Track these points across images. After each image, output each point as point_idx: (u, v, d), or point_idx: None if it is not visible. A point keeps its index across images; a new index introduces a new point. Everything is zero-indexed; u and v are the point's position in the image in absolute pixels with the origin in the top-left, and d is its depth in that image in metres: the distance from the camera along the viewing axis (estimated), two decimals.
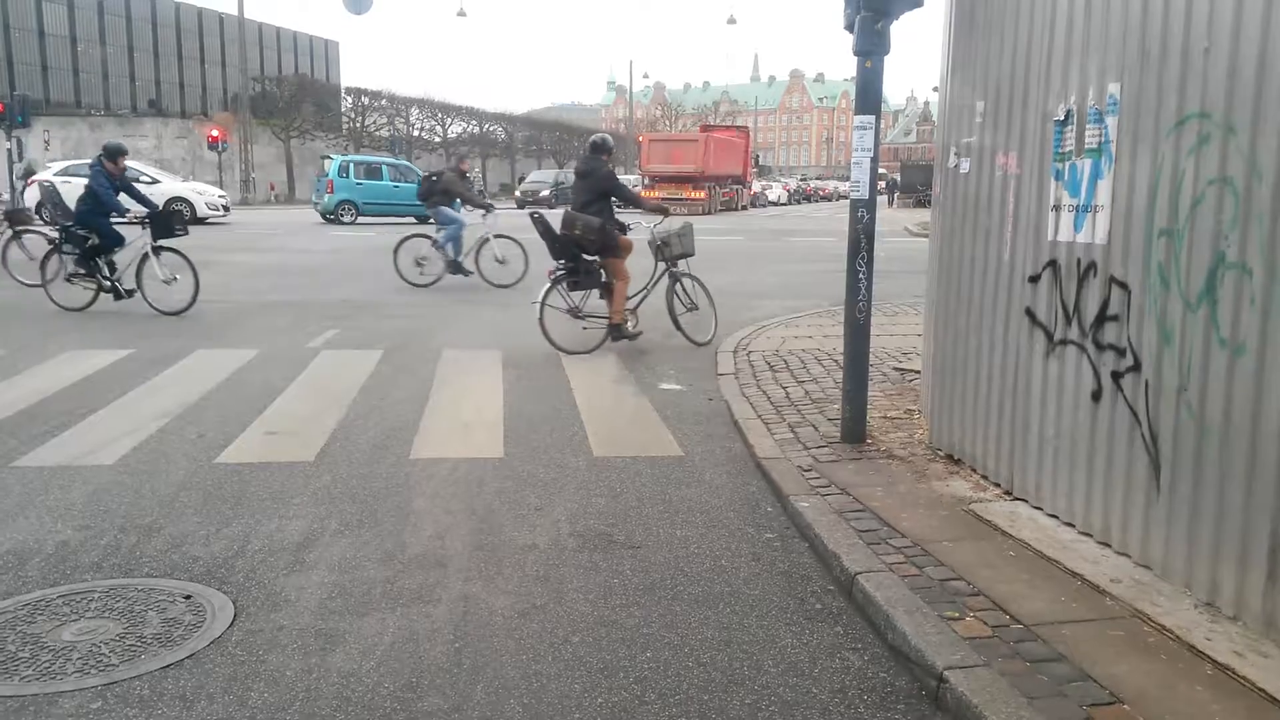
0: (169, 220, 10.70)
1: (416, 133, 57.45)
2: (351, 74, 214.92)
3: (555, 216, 8.73)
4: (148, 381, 7.29)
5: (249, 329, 9.65)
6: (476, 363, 8.16)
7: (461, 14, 49.44)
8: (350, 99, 54.26)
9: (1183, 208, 3.49)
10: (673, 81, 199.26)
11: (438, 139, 59.18)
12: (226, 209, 27.80)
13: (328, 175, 28.54)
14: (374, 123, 53.71)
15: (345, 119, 53.25)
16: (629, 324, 8.86)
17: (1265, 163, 3.11)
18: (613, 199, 8.82)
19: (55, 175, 26.17)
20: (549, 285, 8.51)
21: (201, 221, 26.12)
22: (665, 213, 9.28)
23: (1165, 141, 3.58)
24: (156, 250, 10.56)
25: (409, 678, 3.15)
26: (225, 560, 4.07)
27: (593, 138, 9.29)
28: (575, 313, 8.67)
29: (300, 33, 78.73)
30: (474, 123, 62.87)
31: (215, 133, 40.10)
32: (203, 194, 27.40)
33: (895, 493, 4.74)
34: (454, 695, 3.05)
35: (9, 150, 31.26)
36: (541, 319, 8.38)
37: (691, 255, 9.13)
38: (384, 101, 54.84)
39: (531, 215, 8.77)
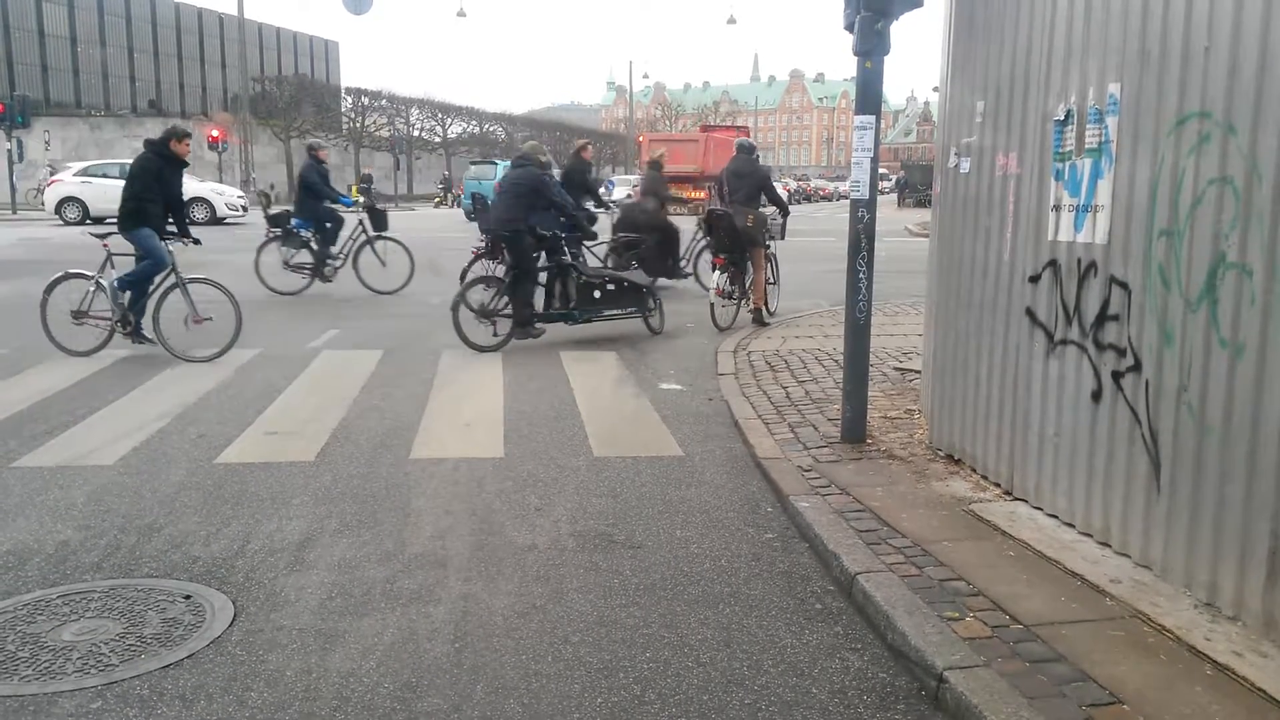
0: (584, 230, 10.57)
1: (416, 133, 57.38)
2: (351, 74, 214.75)
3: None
4: (148, 381, 7.29)
5: (250, 329, 9.60)
6: (477, 363, 8.16)
7: (461, 14, 49.27)
8: (350, 99, 54.15)
9: (1183, 207, 3.49)
10: (673, 81, 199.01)
11: (438, 139, 59.14)
12: (245, 209, 27.86)
13: (493, 179, 28.35)
14: (374, 123, 53.66)
15: (345, 119, 53.18)
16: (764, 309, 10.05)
17: (1265, 162, 3.11)
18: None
19: (74, 176, 26.36)
20: (720, 274, 9.51)
21: (220, 221, 26.17)
22: (788, 212, 10.91)
23: (1165, 141, 3.58)
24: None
25: (409, 678, 3.15)
26: (225, 560, 4.07)
27: (741, 141, 10.41)
28: (730, 295, 9.78)
29: (300, 33, 78.83)
30: (474, 123, 62.80)
31: (215, 133, 40.08)
32: (222, 194, 27.61)
33: (895, 493, 4.74)
34: (454, 695, 3.05)
35: (9, 150, 31.35)
36: (713, 305, 9.52)
37: (781, 240, 10.92)
38: (384, 101, 54.76)
39: (712, 211, 9.80)
